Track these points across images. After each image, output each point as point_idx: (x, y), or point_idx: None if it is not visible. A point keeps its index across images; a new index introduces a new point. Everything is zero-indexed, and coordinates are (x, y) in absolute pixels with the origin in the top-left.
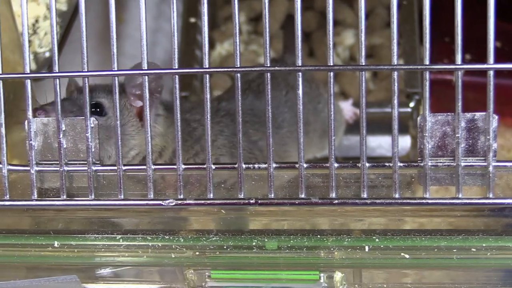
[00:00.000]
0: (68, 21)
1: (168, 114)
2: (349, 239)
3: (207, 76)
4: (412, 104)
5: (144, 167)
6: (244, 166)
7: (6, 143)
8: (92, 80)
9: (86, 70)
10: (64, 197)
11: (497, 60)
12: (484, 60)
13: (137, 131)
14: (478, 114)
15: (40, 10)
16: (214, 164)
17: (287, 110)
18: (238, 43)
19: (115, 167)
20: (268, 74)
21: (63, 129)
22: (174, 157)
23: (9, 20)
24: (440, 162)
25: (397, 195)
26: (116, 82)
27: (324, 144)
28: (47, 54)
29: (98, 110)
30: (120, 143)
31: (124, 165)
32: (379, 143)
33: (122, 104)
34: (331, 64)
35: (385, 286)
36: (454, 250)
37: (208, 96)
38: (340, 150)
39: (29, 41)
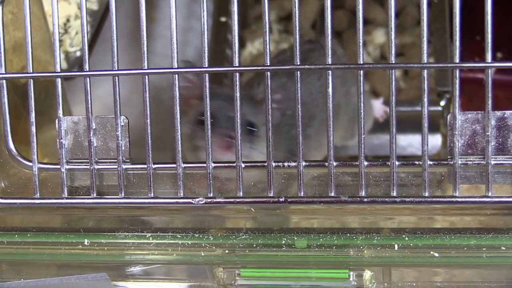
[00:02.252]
0: (99, 20)
1: None
2: (379, 238)
3: (237, 74)
4: (443, 103)
5: (174, 165)
6: (274, 164)
7: (38, 142)
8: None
9: (116, 68)
10: (94, 195)
11: None
12: None
13: None
14: (508, 112)
15: (71, 9)
16: (244, 162)
17: (321, 96)
18: (268, 42)
19: (145, 166)
20: (298, 72)
21: (94, 127)
22: None
23: (41, 19)
24: (470, 160)
25: (426, 194)
26: (147, 81)
27: (353, 130)
28: (78, 54)
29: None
30: None
31: (154, 163)
32: (410, 142)
33: None
34: (361, 62)
35: (414, 284)
36: (484, 249)
37: (238, 94)
38: (370, 149)
39: (60, 41)
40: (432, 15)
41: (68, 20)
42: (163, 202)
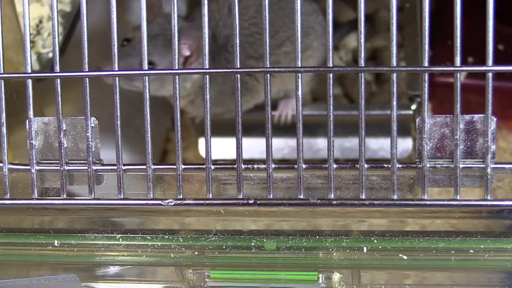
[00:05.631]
0: (72, 22)
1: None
2: (348, 240)
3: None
4: (414, 107)
5: (144, 166)
6: (243, 166)
7: (9, 143)
8: None
9: (86, 70)
10: (64, 196)
11: (500, 63)
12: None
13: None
14: (476, 116)
15: (44, 11)
16: (213, 164)
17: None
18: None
19: (115, 167)
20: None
21: (64, 128)
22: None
23: (13, 20)
24: (439, 164)
25: (395, 196)
26: (117, 82)
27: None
28: (51, 55)
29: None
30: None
31: (124, 164)
32: (381, 145)
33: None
34: (331, 66)
35: (383, 287)
36: (452, 252)
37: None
38: (342, 152)
39: (33, 42)
40: (404, 19)
41: (40, 22)
42: (132, 203)
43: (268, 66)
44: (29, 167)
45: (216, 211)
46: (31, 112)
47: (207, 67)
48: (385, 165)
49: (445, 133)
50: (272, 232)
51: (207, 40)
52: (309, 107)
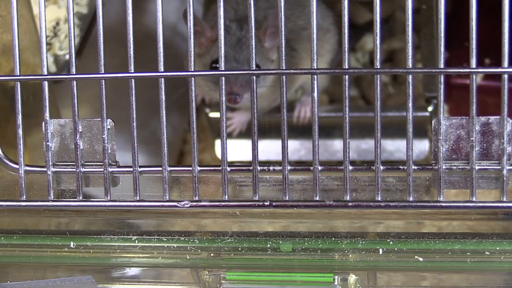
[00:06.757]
0: (88, 24)
1: None
2: (364, 242)
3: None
4: (430, 108)
5: (160, 168)
6: (259, 168)
7: (26, 145)
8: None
9: (102, 72)
10: (80, 198)
11: None
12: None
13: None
14: (492, 118)
15: (61, 13)
16: (229, 166)
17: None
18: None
19: (131, 169)
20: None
21: (80, 130)
22: None
23: (30, 22)
24: (454, 165)
25: (411, 198)
26: (133, 84)
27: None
28: (67, 57)
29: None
30: None
31: (140, 166)
32: (397, 147)
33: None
34: (346, 68)
35: None
36: (468, 253)
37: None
38: (358, 154)
39: (50, 44)
40: (421, 21)
41: (57, 24)
42: (148, 205)
43: (284, 68)
44: (45, 169)
45: (232, 213)
46: (47, 114)
47: (222, 69)
48: (401, 167)
49: (461, 135)
50: (288, 234)
51: (223, 40)
52: (326, 108)
